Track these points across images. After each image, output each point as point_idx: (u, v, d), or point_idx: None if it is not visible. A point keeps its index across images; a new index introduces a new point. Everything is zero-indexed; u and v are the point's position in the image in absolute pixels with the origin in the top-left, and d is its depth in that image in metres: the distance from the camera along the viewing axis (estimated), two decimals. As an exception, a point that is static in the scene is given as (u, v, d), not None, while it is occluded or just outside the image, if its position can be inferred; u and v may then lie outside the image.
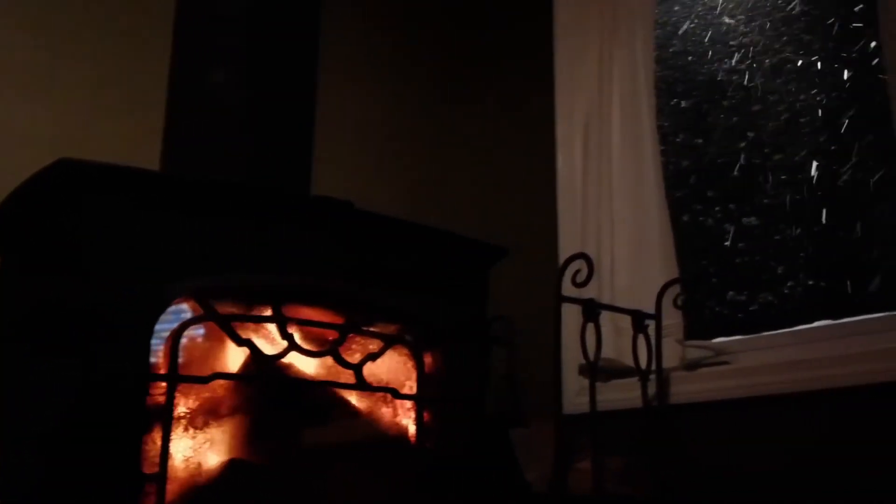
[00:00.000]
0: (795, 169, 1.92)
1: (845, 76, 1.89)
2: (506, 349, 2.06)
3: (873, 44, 1.83)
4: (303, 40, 1.70)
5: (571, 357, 1.78)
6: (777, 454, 1.68)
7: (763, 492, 1.69)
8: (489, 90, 2.48)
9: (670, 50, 2.23)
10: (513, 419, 1.93)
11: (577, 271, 1.69)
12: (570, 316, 1.70)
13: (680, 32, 2.23)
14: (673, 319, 1.87)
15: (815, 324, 1.80)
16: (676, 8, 2.25)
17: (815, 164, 1.90)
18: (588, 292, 1.92)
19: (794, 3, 2.01)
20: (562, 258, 2.06)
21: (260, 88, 1.59)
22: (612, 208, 2.04)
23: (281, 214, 1.36)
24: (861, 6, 1.88)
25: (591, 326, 1.70)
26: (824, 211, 1.88)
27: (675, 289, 1.82)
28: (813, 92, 1.93)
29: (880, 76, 1.69)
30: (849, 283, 1.82)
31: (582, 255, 1.68)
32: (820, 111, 1.92)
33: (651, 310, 1.81)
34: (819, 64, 1.94)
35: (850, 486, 1.57)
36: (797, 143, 1.94)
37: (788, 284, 1.89)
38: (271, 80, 1.61)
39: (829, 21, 1.94)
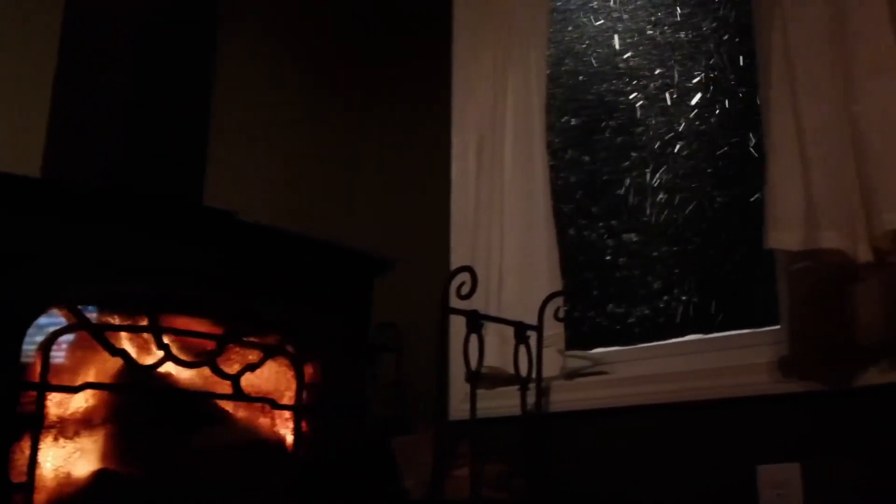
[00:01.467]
0: (674, 189, 2.02)
1: (726, 103, 1.99)
2: (395, 357, 2.10)
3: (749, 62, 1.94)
4: (196, 45, 1.69)
5: (459, 365, 1.82)
6: (650, 461, 1.77)
7: (636, 496, 1.78)
8: (386, 102, 2.51)
9: (563, 69, 2.30)
10: (398, 426, 1.97)
11: (462, 283, 1.74)
12: (458, 326, 1.76)
13: (572, 53, 2.31)
14: (556, 330, 1.94)
15: (687, 337, 1.90)
16: (570, 29, 2.32)
17: (692, 185, 2.00)
18: (476, 302, 1.97)
19: (678, 31, 2.11)
20: (453, 268, 2.12)
21: (149, 92, 1.58)
22: (502, 221, 2.10)
23: (160, 223, 1.36)
24: (739, 37, 1.99)
25: (475, 336, 1.76)
26: (699, 230, 1.97)
27: (558, 301, 1.89)
28: (692, 115, 2.03)
29: (757, 101, 1.79)
30: (717, 300, 1.92)
31: (467, 269, 1.73)
32: (699, 135, 2.01)
33: (535, 321, 1.87)
34: (700, 89, 2.04)
35: (717, 491, 1.66)
36: (676, 164, 2.03)
37: (664, 299, 1.99)
38: (162, 84, 1.60)
39: (710, 48, 2.04)
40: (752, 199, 1.85)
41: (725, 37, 2.02)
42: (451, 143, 2.26)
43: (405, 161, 2.42)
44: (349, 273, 1.57)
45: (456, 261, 2.15)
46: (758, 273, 1.81)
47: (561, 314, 1.88)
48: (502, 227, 2.09)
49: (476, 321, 1.76)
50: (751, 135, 1.89)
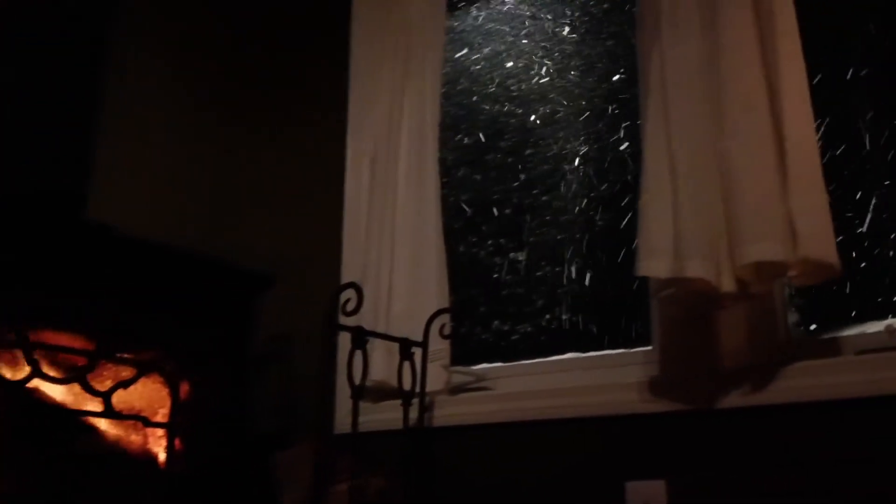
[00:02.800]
0: (559, 211, 2.09)
1: (611, 130, 2.07)
2: (284, 370, 2.10)
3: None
4: (84, 54, 1.67)
5: (346, 379, 1.84)
6: (529, 476, 1.82)
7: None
8: (282, 115, 2.51)
9: (458, 88, 2.35)
10: (283, 441, 1.97)
11: (349, 300, 1.76)
12: (347, 340, 1.77)
13: (468, 73, 2.35)
14: (442, 345, 1.97)
15: (566, 355, 1.96)
16: (466, 50, 2.37)
17: (577, 207, 2.07)
18: (366, 317, 1.99)
19: (567, 58, 2.18)
20: (342, 283, 2.13)
21: (32, 100, 1.55)
22: (393, 236, 2.12)
23: (34, 236, 1.33)
24: (625, 68, 2.07)
25: (360, 351, 1.78)
26: (581, 252, 2.04)
27: (445, 318, 1.93)
28: (579, 141, 2.10)
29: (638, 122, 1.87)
30: (596, 320, 1.99)
31: (352, 285, 1.75)
32: (583, 159, 2.09)
33: (422, 336, 1.90)
34: (586, 115, 2.11)
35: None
36: (562, 186, 2.10)
37: (546, 317, 2.05)
38: (46, 95, 1.57)
39: (598, 76, 2.11)
40: (625, 225, 1.93)
41: (613, 66, 2.09)
42: (346, 158, 2.28)
43: (300, 176, 2.42)
44: (229, 289, 1.57)
45: (347, 275, 2.16)
46: (634, 295, 1.89)
47: (447, 331, 1.91)
48: (393, 242, 2.11)
49: (361, 337, 1.79)
50: (630, 162, 1.97)
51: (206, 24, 2.52)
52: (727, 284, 1.49)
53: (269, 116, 2.52)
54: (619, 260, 1.96)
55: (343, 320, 1.77)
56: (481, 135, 2.27)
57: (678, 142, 1.57)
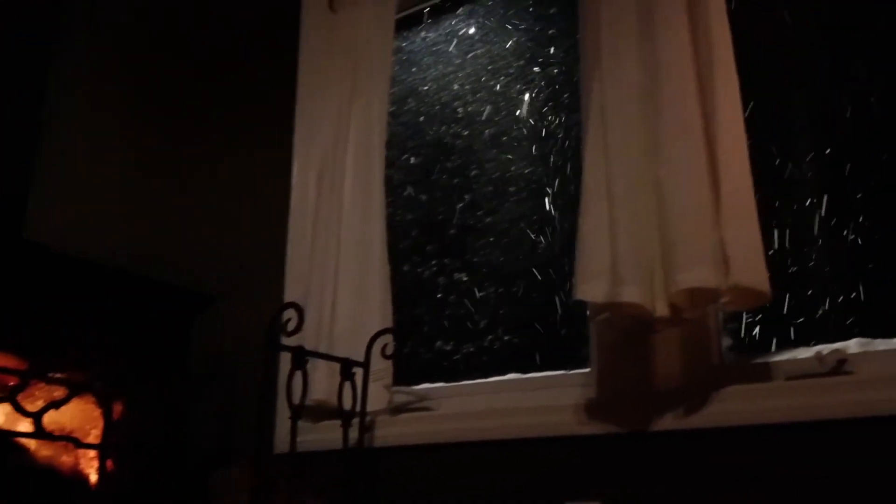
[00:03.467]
0: (502, 233, 2.11)
1: (554, 155, 2.10)
2: (221, 390, 2.09)
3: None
4: (26, 69, 1.65)
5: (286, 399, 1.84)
6: (468, 497, 1.83)
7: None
8: (227, 133, 2.50)
9: (405, 108, 2.36)
10: (220, 461, 1.96)
11: (289, 319, 1.75)
12: (288, 359, 1.77)
13: (415, 93, 2.37)
14: (385, 365, 1.97)
15: (507, 376, 1.98)
16: (414, 70, 2.39)
17: (518, 230, 2.09)
18: (308, 335, 1.99)
19: (514, 81, 2.20)
20: (287, 300, 2.12)
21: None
22: (338, 255, 2.12)
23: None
24: (569, 92, 2.10)
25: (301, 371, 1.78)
26: (524, 273, 2.06)
27: (388, 338, 1.93)
28: (523, 164, 2.13)
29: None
30: (537, 340, 2.01)
31: (292, 305, 1.75)
32: (527, 182, 2.11)
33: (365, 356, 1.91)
34: (531, 139, 2.14)
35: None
36: (506, 209, 2.12)
37: (488, 338, 2.06)
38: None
39: (542, 99, 2.14)
40: (566, 248, 1.95)
41: (558, 91, 2.12)
42: (292, 177, 2.28)
43: (245, 195, 2.41)
44: (166, 308, 1.56)
45: (290, 293, 2.15)
46: (575, 317, 1.91)
47: (389, 351, 1.91)
48: (338, 261, 2.11)
49: (301, 357, 1.78)
50: (572, 187, 2.00)
51: (152, 44, 2.50)
52: (661, 310, 1.52)
53: (214, 135, 2.51)
54: (561, 282, 1.99)
55: (285, 340, 1.77)
56: (427, 155, 2.29)
57: (616, 167, 1.60)
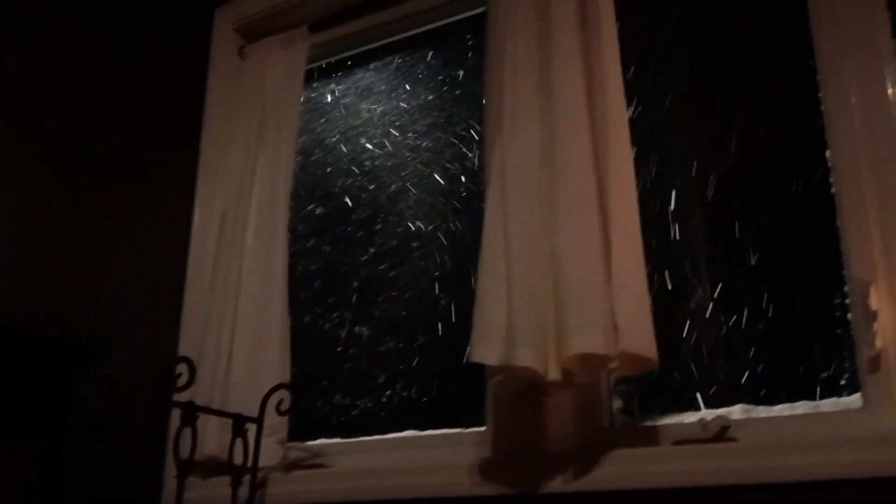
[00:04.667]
0: (405, 287, 2.11)
1: (456, 209, 2.12)
2: (111, 446, 2.02)
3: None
4: None
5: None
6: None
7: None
8: (126, 176, 2.45)
9: (313, 158, 2.36)
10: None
11: (180, 374, 1.72)
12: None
13: (323, 144, 2.37)
14: (279, 420, 1.94)
15: (404, 433, 1.97)
16: (323, 121, 2.40)
17: (421, 285, 2.10)
18: (202, 388, 1.95)
19: (421, 137, 2.23)
20: (182, 352, 2.08)
21: None
22: (237, 306, 2.09)
23: None
24: (472, 154, 2.13)
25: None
26: (425, 329, 2.06)
27: (284, 393, 1.90)
28: (426, 220, 2.14)
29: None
30: (436, 397, 2.01)
31: (184, 359, 1.72)
32: (431, 238, 2.12)
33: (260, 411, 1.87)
34: (435, 195, 2.16)
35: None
36: (409, 263, 2.13)
37: (387, 393, 2.05)
38: None
39: (449, 157, 2.17)
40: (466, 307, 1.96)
41: (464, 150, 2.16)
42: (192, 225, 2.24)
43: (141, 243, 2.35)
44: (47, 361, 1.50)
45: (185, 344, 2.11)
46: (473, 375, 1.92)
47: (284, 406, 1.89)
48: (236, 312, 2.08)
49: (191, 412, 1.74)
50: (474, 247, 2.02)
51: (48, 86, 2.44)
52: (553, 373, 1.54)
53: (113, 179, 2.46)
54: (461, 339, 2.00)
55: (176, 394, 1.73)
56: (333, 206, 2.29)
57: (515, 231, 1.63)
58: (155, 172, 2.39)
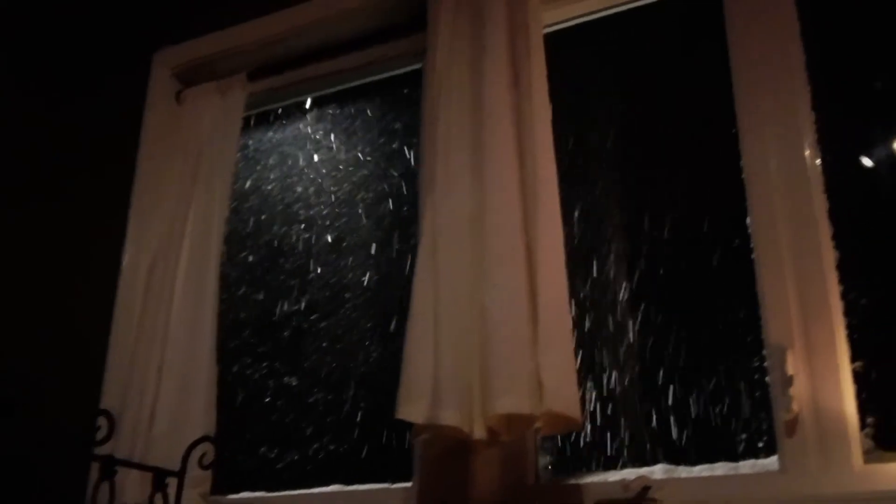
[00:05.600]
0: (336, 339, 2.10)
1: (389, 263, 2.13)
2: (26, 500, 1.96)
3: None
4: None
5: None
6: None
7: None
8: (54, 220, 2.41)
9: (247, 205, 2.35)
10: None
11: (100, 427, 1.68)
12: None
13: (258, 191, 2.37)
14: (202, 473, 1.90)
15: (330, 487, 1.95)
16: (259, 168, 2.39)
17: (353, 337, 2.09)
18: (124, 440, 1.91)
19: (356, 189, 2.24)
20: (106, 402, 2.04)
21: None
22: (163, 355, 2.05)
23: None
24: (407, 207, 2.14)
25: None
26: (354, 381, 2.06)
27: (207, 445, 1.87)
28: (360, 271, 2.15)
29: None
30: (365, 451, 2.00)
31: (104, 412, 1.68)
32: (364, 290, 2.12)
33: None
34: (368, 248, 2.16)
35: None
36: (341, 315, 2.12)
37: (314, 446, 2.03)
38: None
39: (382, 211, 2.18)
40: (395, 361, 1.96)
41: (397, 203, 2.17)
42: (121, 269, 2.21)
43: (64, 290, 2.30)
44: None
45: (109, 394, 2.07)
46: (401, 430, 1.91)
47: (207, 460, 1.85)
48: (162, 361, 2.05)
49: (109, 467, 1.70)
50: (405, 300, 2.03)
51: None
52: (479, 433, 1.55)
53: (40, 224, 2.40)
54: (390, 392, 1.99)
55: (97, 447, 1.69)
56: (266, 254, 2.28)
57: (444, 289, 1.64)
58: (84, 217, 2.35)
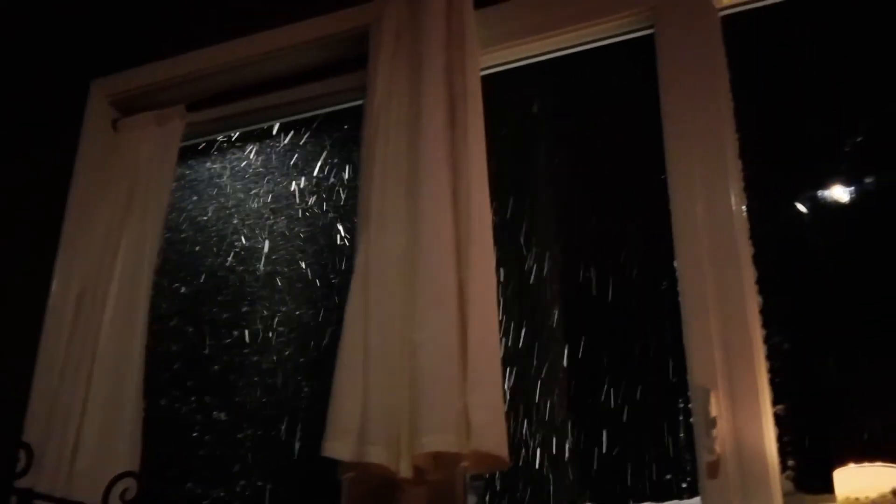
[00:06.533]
0: (266, 373, 2.08)
1: (323, 298, 2.12)
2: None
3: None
4: None
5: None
6: None
7: None
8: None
9: (181, 235, 2.33)
10: None
11: (19, 460, 1.63)
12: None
13: (194, 222, 2.34)
14: (127, 508, 1.86)
15: (258, 526, 1.92)
16: (195, 198, 2.37)
17: (285, 372, 2.07)
18: (46, 475, 1.86)
19: (293, 224, 2.23)
20: (28, 435, 1.98)
21: None
22: (89, 387, 2.01)
23: None
24: (343, 242, 2.14)
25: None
26: (287, 417, 2.03)
27: (130, 480, 1.83)
28: (294, 306, 2.13)
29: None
30: (292, 488, 1.97)
31: (23, 444, 1.64)
32: (297, 325, 2.11)
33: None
34: (304, 282, 2.15)
35: None
36: (272, 350, 2.11)
37: (241, 483, 2.00)
38: None
39: (319, 245, 2.18)
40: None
41: (333, 239, 2.17)
42: (49, 298, 2.16)
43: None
44: None
45: (32, 427, 2.01)
46: (330, 467, 1.89)
47: (129, 496, 1.80)
48: (88, 393, 2.00)
49: (28, 501, 1.65)
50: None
51: None
52: (405, 471, 1.54)
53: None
54: (320, 430, 1.97)
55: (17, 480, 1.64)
56: (199, 286, 2.25)
57: (374, 327, 1.64)
58: (12, 243, 2.30)
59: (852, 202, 1.74)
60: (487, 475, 1.76)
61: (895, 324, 1.61)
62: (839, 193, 1.77)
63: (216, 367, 2.14)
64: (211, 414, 2.09)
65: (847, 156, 1.78)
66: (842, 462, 1.36)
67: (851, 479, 1.34)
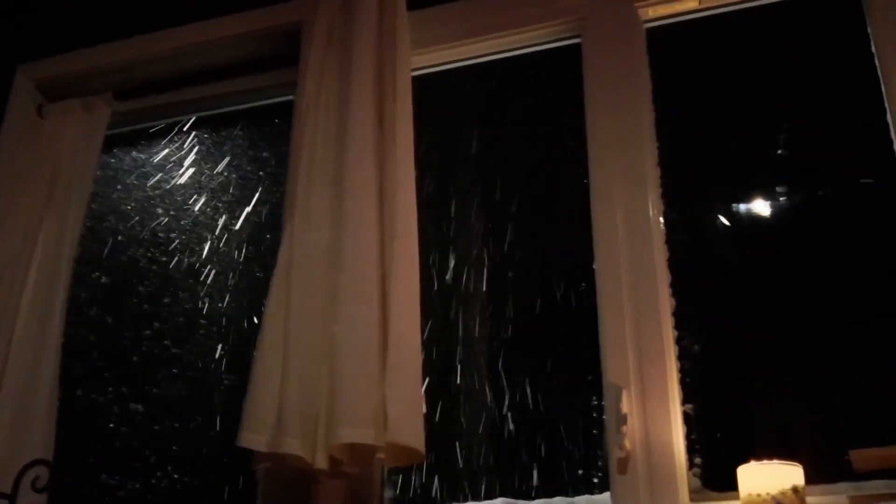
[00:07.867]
0: (187, 366, 2.06)
1: (246, 291, 2.11)
2: None
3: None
4: None
5: None
6: None
7: None
8: None
9: (104, 224, 2.29)
10: None
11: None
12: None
13: (117, 212, 2.31)
14: (37, 499, 1.82)
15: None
16: (119, 188, 2.34)
17: (205, 365, 2.06)
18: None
19: (218, 216, 2.22)
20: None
21: None
22: (4, 372, 1.97)
23: None
24: (269, 235, 2.14)
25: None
26: (204, 410, 2.02)
27: (41, 469, 1.79)
28: (216, 299, 2.12)
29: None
30: (208, 482, 1.96)
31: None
32: (220, 317, 2.10)
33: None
34: (228, 274, 2.14)
35: None
36: (195, 342, 2.09)
37: (157, 475, 1.98)
38: None
39: (245, 236, 2.17)
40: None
41: (260, 231, 2.16)
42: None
43: None
44: None
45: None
46: (248, 461, 1.88)
47: (40, 484, 1.77)
48: (2, 379, 1.97)
49: (-69, 489, 1.61)
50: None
51: None
52: (321, 462, 1.55)
53: None
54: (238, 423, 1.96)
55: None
56: (120, 276, 2.22)
57: (294, 319, 1.64)
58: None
59: (766, 212, 1.81)
60: (404, 468, 1.77)
61: (796, 331, 1.68)
62: (754, 203, 1.83)
63: (135, 358, 2.11)
64: (128, 405, 2.07)
65: (763, 167, 1.84)
66: (745, 460, 1.41)
67: (754, 476, 1.39)
